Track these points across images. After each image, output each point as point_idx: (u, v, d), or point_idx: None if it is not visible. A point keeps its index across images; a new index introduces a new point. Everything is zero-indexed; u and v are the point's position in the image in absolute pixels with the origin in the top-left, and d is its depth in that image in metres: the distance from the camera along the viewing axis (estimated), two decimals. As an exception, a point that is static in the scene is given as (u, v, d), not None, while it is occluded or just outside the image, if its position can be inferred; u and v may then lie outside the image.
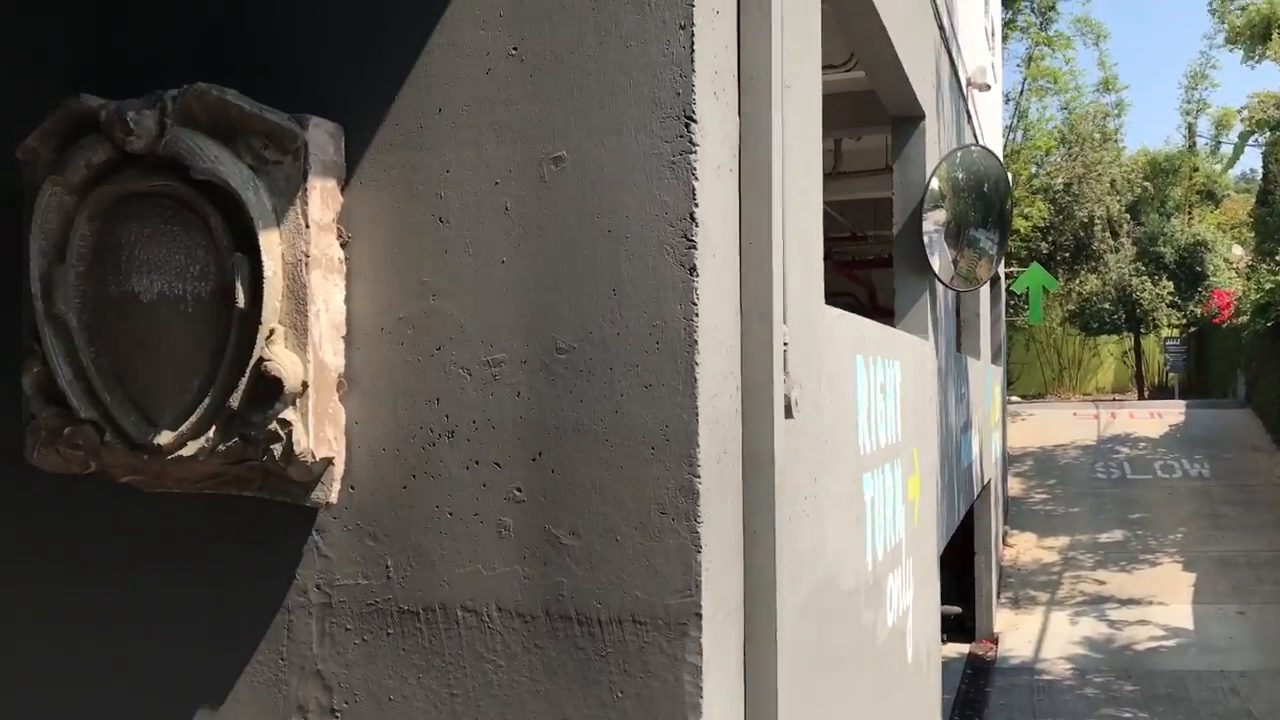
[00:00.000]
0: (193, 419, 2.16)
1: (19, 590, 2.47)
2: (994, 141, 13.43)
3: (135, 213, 2.20)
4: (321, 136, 2.19)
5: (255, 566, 2.31)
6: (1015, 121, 23.86)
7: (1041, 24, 23.13)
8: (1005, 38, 19.72)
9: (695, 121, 2.06)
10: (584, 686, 2.11)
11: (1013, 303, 21.03)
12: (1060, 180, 23.75)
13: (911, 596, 5.03)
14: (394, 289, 2.23)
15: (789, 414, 2.42)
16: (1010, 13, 21.31)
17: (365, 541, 2.24)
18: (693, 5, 2.07)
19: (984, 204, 6.50)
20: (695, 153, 2.06)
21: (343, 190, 2.26)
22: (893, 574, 4.46)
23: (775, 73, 2.34)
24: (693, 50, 2.06)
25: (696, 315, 2.05)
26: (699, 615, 2.04)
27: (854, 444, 3.63)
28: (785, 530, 2.36)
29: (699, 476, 2.05)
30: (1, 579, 2.48)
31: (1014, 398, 25.54)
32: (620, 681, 2.08)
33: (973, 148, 6.77)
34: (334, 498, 2.22)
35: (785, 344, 2.38)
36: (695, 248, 2.05)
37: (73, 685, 2.43)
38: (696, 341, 2.05)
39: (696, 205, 2.06)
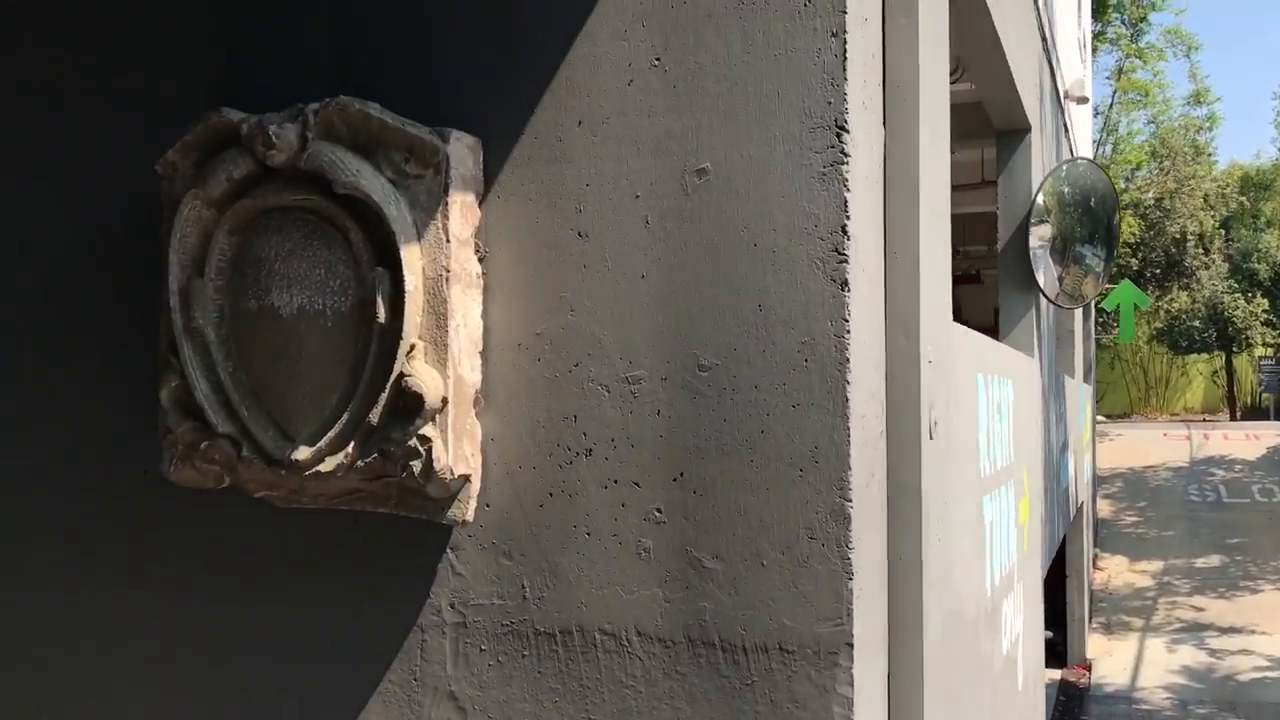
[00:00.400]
0: (331, 434, 2.14)
1: (149, 603, 2.48)
2: (1085, 155, 13.12)
3: (275, 227, 2.20)
4: (462, 150, 2.17)
5: (388, 584, 2.28)
6: (1104, 135, 23.35)
7: (1132, 36, 22.64)
8: (1094, 49, 19.33)
9: (847, 131, 2.00)
10: (727, 716, 2.04)
11: (1100, 320, 20.54)
12: (1151, 195, 23.17)
13: (1022, 623, 4.88)
14: (531, 304, 2.20)
15: (930, 435, 2.34)
16: (1099, 24, 20.88)
17: (500, 560, 2.20)
18: (845, 13, 2.00)
19: (1090, 219, 6.33)
20: (847, 164, 1.99)
21: (480, 204, 2.23)
22: (1007, 599, 4.32)
23: (922, 82, 2.26)
24: (845, 59, 2.00)
25: (848, 332, 1.98)
26: (850, 645, 1.97)
27: (976, 466, 3.52)
28: (929, 556, 2.27)
29: (850, 500, 1.97)
30: (133, 592, 2.49)
31: (1100, 417, 24.95)
32: (766, 712, 2.01)
33: (1079, 161, 6.60)
34: (470, 515, 2.18)
35: (929, 361, 2.30)
36: (847, 262, 1.98)
37: (204, 700, 2.42)
38: (848, 359, 1.98)
39: (848, 218, 1.99)
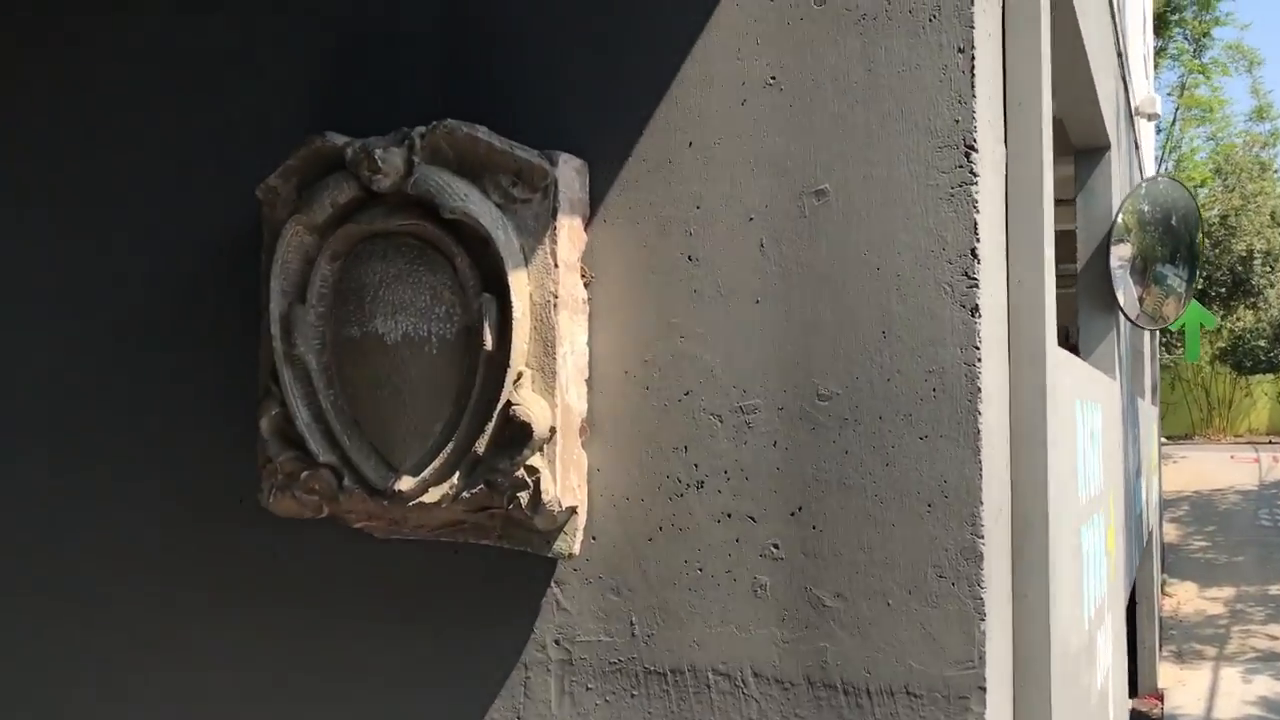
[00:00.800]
0: (435, 464, 2.08)
1: (241, 634, 2.43)
2: (1148, 173, 12.88)
3: (379, 252, 2.15)
4: (569, 173, 2.11)
5: (490, 619, 2.21)
6: (1166, 153, 22.96)
7: (1195, 51, 22.26)
8: (1155, 65, 19.03)
9: (976, 150, 1.91)
10: (851, 762, 1.95)
11: (1163, 340, 20.14)
12: (1215, 212, 22.72)
13: (1111, 655, 4.73)
14: (639, 330, 2.13)
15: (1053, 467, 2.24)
16: (1161, 40, 20.57)
17: (608, 596, 2.12)
18: (973, 28, 1.92)
19: (1172, 238, 6.17)
20: (976, 184, 1.91)
21: (586, 228, 2.17)
22: (1100, 631, 4.18)
23: (1043, 99, 2.18)
24: (973, 75, 1.92)
25: (979, 360, 1.89)
26: (982, 689, 1.87)
27: (1075, 494, 3.40)
28: (1056, 594, 2.17)
29: (982, 537, 1.88)
30: (224, 623, 2.45)
31: (1162, 439, 24.45)
32: (892, 758, 1.92)
33: (1159, 179, 6.45)
34: (576, 549, 2.11)
35: (1052, 388, 2.20)
36: (977, 286, 1.89)
37: (298, 735, 2.37)
38: (979, 389, 1.89)
39: (978, 240, 1.90)
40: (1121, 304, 5.81)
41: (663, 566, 2.09)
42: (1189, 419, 31.03)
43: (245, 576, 2.43)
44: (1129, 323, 6.12)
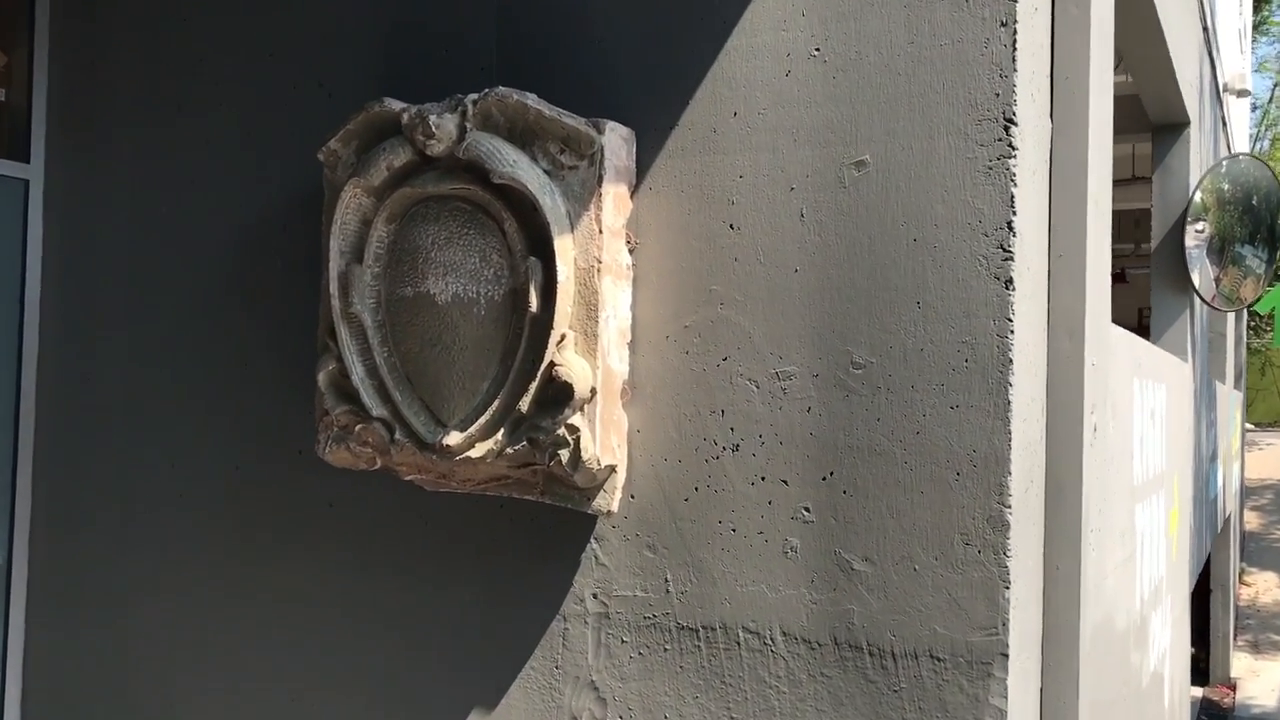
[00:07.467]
0: (481, 421, 2.16)
1: (299, 579, 2.55)
2: (1241, 151, 12.48)
3: (432, 215, 2.23)
4: (616, 141, 2.16)
5: (532, 571, 2.30)
6: (1261, 130, 22.18)
7: (1295, 25, 21.42)
8: (1253, 40, 18.37)
9: (1015, 124, 1.92)
10: (873, 721, 1.99)
11: (1252, 324, 19.55)
12: (1310, 193, 21.86)
13: (1169, 638, 4.68)
14: (680, 296, 2.18)
15: (1090, 440, 2.24)
16: (1259, 14, 19.84)
17: (644, 553, 2.19)
18: (1015, 1, 1.93)
19: (1252, 218, 6.02)
20: (1015, 157, 1.92)
21: (632, 195, 2.22)
22: (1155, 613, 4.14)
23: (1092, 74, 2.17)
24: (1015, 49, 1.92)
25: (1011, 332, 1.91)
26: (1005, 655, 1.90)
27: (1129, 473, 3.38)
28: (1087, 566, 2.18)
29: (1009, 506, 1.90)
30: (283, 568, 2.57)
31: (1249, 425, 23.76)
32: (914, 719, 1.96)
33: (1241, 157, 6.27)
34: (615, 506, 2.18)
35: (1092, 364, 2.20)
36: (1012, 259, 1.91)
37: (351, 671, 2.49)
38: (1011, 360, 1.91)
39: (1015, 214, 1.91)
40: (1196, 285, 5.68)
41: (698, 526, 2.15)
42: (1278, 406, 30.10)
43: (300, 524, 2.55)
44: (1205, 304, 5.99)
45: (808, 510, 2.06)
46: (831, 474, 2.04)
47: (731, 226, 2.14)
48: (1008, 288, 1.91)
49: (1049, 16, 2.17)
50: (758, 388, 2.11)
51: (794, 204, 2.09)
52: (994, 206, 1.93)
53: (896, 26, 2.02)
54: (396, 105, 2.24)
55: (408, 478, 2.32)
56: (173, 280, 2.75)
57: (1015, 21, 1.93)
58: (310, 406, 2.47)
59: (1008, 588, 1.90)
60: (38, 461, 2.93)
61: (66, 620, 2.88)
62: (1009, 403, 1.91)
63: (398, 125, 2.22)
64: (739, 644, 2.11)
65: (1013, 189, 1.92)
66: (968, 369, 1.94)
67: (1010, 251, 1.91)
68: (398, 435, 2.26)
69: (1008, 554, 1.90)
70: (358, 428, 2.30)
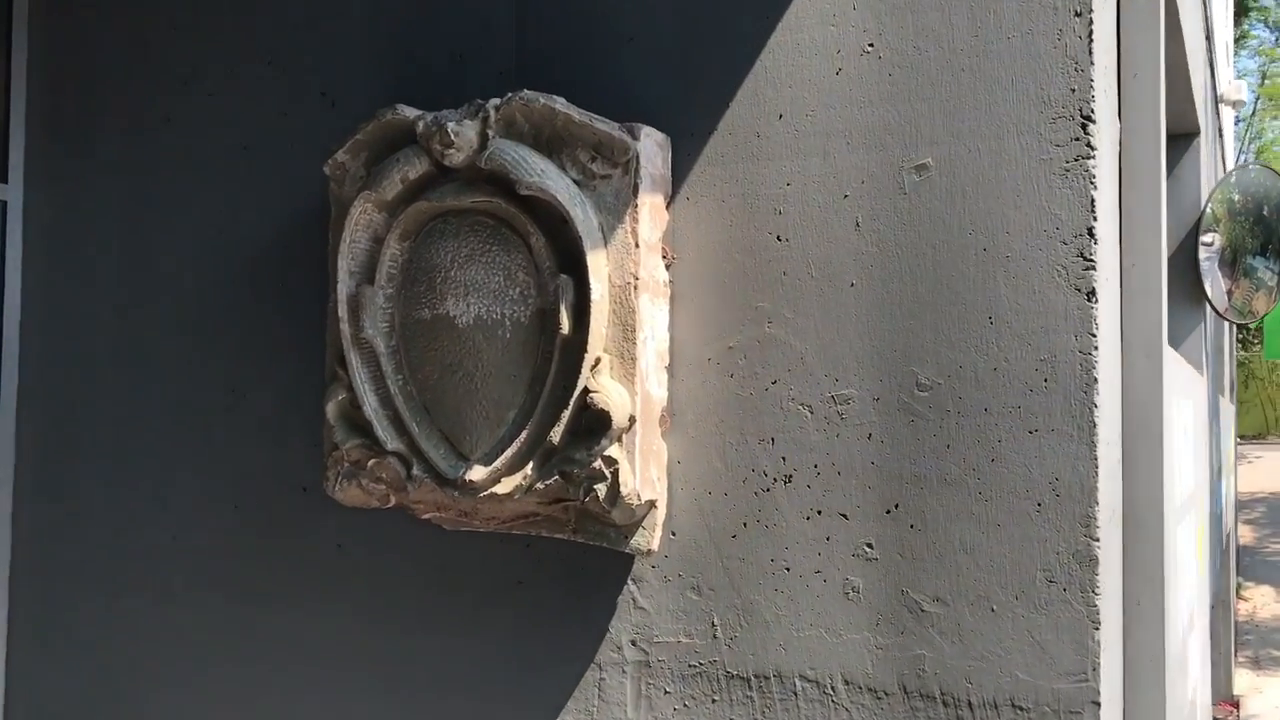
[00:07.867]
0: (508, 453, 1.98)
1: (308, 626, 2.35)
2: (1230, 163, 12.45)
3: (451, 231, 2.05)
4: (651, 147, 1.99)
5: (563, 616, 2.11)
6: (1245, 143, 22.27)
7: (1277, 40, 21.57)
8: (1234, 54, 18.45)
9: (1093, 122, 1.76)
10: (950, 778, 1.81)
11: (1240, 335, 19.56)
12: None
13: (1199, 663, 4.52)
14: (723, 315, 2.01)
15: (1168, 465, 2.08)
16: (1238, 29, 19.96)
17: (688, 595, 2.01)
18: (1092, -12, 1.77)
19: (1264, 229, 5.91)
20: (1093, 158, 1.76)
21: (668, 206, 2.05)
22: (1191, 638, 3.98)
23: (1160, 70, 2.02)
24: (1091, 41, 1.77)
25: (1095, 349, 1.74)
26: (1096, 703, 1.72)
27: (1171, 494, 3.22)
28: (1171, 602, 2.01)
29: (1097, 539, 1.73)
30: (291, 614, 2.37)
31: (1236, 438, 23.75)
32: (995, 776, 1.78)
33: (1251, 166, 6.17)
34: (655, 545, 2.00)
35: (1168, 384, 2.04)
36: (1094, 268, 1.75)
37: (363, 732, 2.29)
38: (1095, 379, 1.74)
39: (1095, 219, 1.75)
40: (1209, 296, 5.57)
41: (747, 565, 1.97)
42: (1263, 418, 30.18)
43: (309, 567, 2.35)
44: (1219, 317, 5.87)
45: (870, 546, 1.88)
46: (896, 506, 1.87)
47: (779, 238, 1.97)
48: (1090, 299, 1.75)
49: (1115, 10, 2.01)
50: (811, 413, 1.93)
51: (849, 212, 1.92)
52: (1072, 211, 1.76)
53: (959, 19, 1.86)
54: (410, 112, 2.06)
55: (425, 516, 2.14)
56: (163, 308, 2.55)
57: (1090, 11, 1.77)
58: (316, 440, 2.29)
59: (1097, 629, 1.73)
60: (17, 502, 2.72)
61: (51, 672, 2.66)
62: (1094, 425, 1.74)
63: (412, 134, 2.05)
64: (796, 694, 1.92)
65: (1092, 192, 1.76)
66: (1047, 389, 1.77)
67: (1092, 260, 1.75)
68: (415, 470, 2.07)
69: (1096, 592, 1.73)
70: (370, 463, 2.11)
